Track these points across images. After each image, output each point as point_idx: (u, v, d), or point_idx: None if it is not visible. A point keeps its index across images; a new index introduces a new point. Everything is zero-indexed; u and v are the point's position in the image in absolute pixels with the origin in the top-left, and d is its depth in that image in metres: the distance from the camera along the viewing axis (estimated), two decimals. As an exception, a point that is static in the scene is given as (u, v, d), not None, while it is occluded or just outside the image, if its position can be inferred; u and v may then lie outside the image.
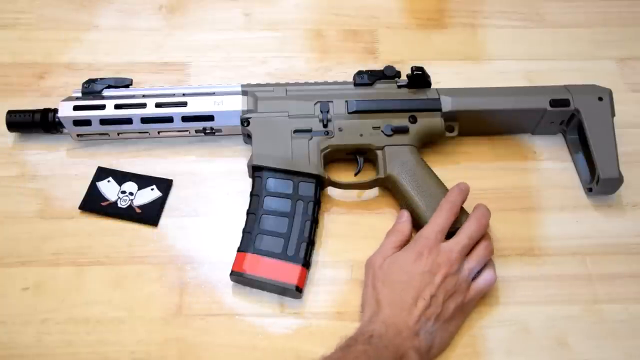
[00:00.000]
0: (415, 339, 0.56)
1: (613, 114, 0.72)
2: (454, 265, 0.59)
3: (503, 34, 0.86)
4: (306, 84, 0.74)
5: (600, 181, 0.68)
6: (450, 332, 0.60)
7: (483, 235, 0.63)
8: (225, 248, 0.65)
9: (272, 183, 0.67)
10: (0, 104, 0.74)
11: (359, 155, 0.71)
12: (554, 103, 0.72)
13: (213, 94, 0.72)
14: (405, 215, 0.66)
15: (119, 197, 0.69)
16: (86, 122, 0.70)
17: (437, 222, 0.62)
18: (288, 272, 0.62)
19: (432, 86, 0.73)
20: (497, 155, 0.75)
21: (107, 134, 0.72)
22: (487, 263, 0.63)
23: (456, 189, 0.65)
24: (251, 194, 0.67)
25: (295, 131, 0.69)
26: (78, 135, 0.72)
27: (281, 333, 0.62)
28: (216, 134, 0.73)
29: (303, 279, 0.63)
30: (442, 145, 0.74)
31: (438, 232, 0.61)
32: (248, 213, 0.66)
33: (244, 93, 0.72)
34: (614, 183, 0.69)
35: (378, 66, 0.75)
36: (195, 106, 0.70)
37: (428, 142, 0.72)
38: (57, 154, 0.73)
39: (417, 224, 0.67)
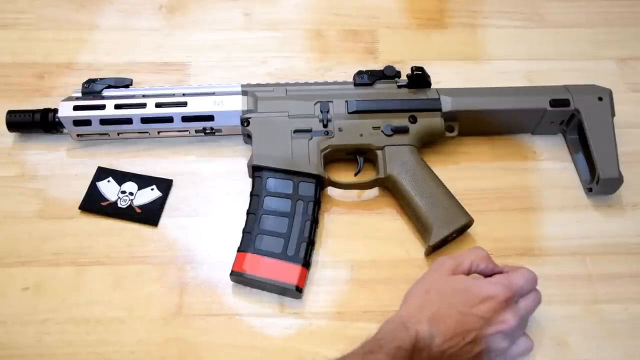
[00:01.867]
0: None
1: (613, 114, 0.72)
2: (513, 331, 0.56)
3: (503, 34, 0.86)
4: (306, 84, 0.74)
5: (600, 181, 0.68)
6: None
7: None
8: (225, 248, 0.65)
9: (272, 183, 0.67)
10: (0, 104, 0.74)
11: (359, 155, 0.71)
12: (554, 103, 0.72)
13: (213, 94, 0.72)
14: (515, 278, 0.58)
15: (119, 197, 0.69)
16: (86, 122, 0.70)
17: (526, 280, 0.57)
18: (288, 272, 0.62)
19: (432, 86, 0.73)
20: (497, 155, 0.75)
21: (107, 134, 0.72)
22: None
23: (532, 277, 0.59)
24: (251, 194, 0.67)
25: (295, 131, 0.69)
26: (78, 135, 0.72)
27: (281, 333, 0.62)
28: (216, 134, 0.73)
29: (303, 279, 0.63)
30: (442, 145, 0.74)
31: (516, 292, 0.57)
32: (248, 213, 0.66)
33: (244, 93, 0.72)
34: (614, 183, 0.69)
35: (378, 66, 0.75)
36: (195, 106, 0.70)
37: (428, 142, 0.72)
38: (57, 154, 0.73)
39: (418, 224, 0.67)
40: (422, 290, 0.58)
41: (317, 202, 0.67)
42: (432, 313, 0.55)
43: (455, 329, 0.54)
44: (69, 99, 0.71)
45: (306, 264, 0.63)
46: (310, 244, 0.64)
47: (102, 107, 0.70)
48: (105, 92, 0.72)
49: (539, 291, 0.59)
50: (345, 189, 0.70)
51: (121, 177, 0.70)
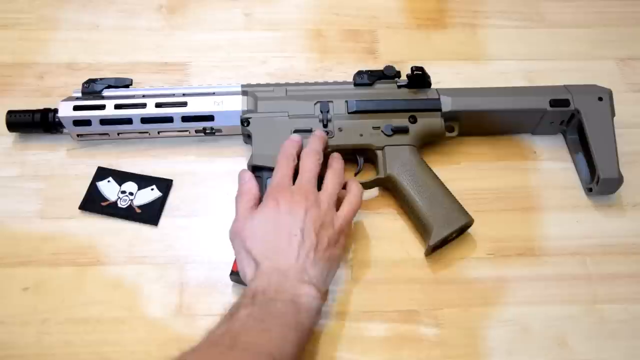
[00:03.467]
0: (304, 274, 0.55)
1: (613, 114, 0.72)
2: (310, 197, 0.59)
3: (503, 34, 0.86)
4: (306, 84, 0.74)
5: (600, 181, 0.68)
6: (337, 256, 0.60)
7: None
8: (225, 248, 0.65)
9: (272, 183, 0.67)
10: (0, 104, 0.74)
11: (359, 155, 0.71)
12: (554, 103, 0.72)
13: (213, 94, 0.72)
14: (248, 175, 0.64)
15: (119, 197, 0.69)
16: (86, 122, 0.70)
17: (281, 171, 0.63)
18: (288, 272, 0.62)
19: (432, 86, 0.73)
20: (497, 155, 0.75)
21: (107, 134, 0.72)
22: (350, 187, 0.64)
23: (288, 141, 0.66)
24: (251, 194, 0.67)
25: (296, 131, 0.69)
26: (78, 135, 0.72)
27: (281, 333, 0.62)
28: (216, 134, 0.73)
29: (303, 279, 0.63)
30: (442, 145, 0.74)
31: (284, 178, 0.62)
32: (248, 213, 0.66)
33: (244, 93, 0.72)
34: (614, 183, 0.69)
35: (378, 66, 0.75)
36: (195, 106, 0.70)
37: (428, 142, 0.72)
38: (57, 154, 0.73)
39: (418, 224, 0.67)
40: (243, 254, 0.59)
41: (317, 202, 0.66)
42: (264, 252, 0.57)
43: (284, 237, 0.57)
44: (69, 99, 0.71)
45: (306, 264, 0.63)
46: (310, 244, 0.64)
47: (102, 107, 0.70)
48: (105, 92, 0.72)
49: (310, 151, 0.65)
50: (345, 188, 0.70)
51: (121, 177, 0.70)
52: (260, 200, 0.62)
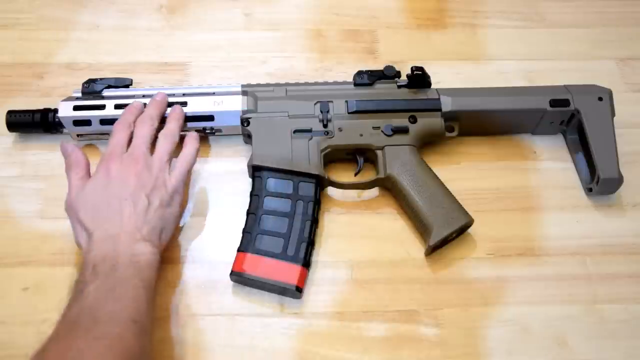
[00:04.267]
0: (137, 234, 0.57)
1: (613, 114, 0.72)
2: (140, 162, 0.61)
3: (503, 34, 0.86)
4: (306, 84, 0.74)
5: (600, 181, 0.68)
6: (172, 215, 0.62)
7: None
8: (225, 248, 0.65)
9: (272, 183, 0.67)
10: (0, 104, 0.74)
11: (359, 155, 0.71)
12: (554, 103, 0.72)
13: (213, 94, 0.72)
14: (70, 146, 0.64)
15: (119, 197, 0.69)
16: (86, 122, 0.70)
17: (115, 138, 0.63)
18: (288, 272, 0.62)
19: (432, 86, 0.73)
20: (497, 155, 0.75)
21: (107, 134, 0.72)
22: (185, 144, 0.66)
23: (127, 108, 0.67)
24: (251, 194, 0.67)
25: (295, 131, 0.69)
26: (78, 135, 0.72)
27: (281, 333, 0.62)
28: (216, 134, 0.73)
29: (303, 279, 0.63)
30: (442, 145, 0.74)
31: (117, 146, 0.62)
32: (248, 213, 0.66)
33: (244, 93, 0.72)
34: (614, 183, 0.69)
35: (378, 66, 0.75)
36: (195, 106, 0.70)
37: (428, 142, 0.72)
38: (57, 154, 0.72)
39: (418, 224, 0.67)
40: (77, 227, 0.59)
41: (317, 202, 0.67)
42: (95, 222, 0.58)
43: (116, 204, 0.58)
44: (69, 99, 0.71)
45: (306, 264, 0.63)
46: (310, 244, 0.64)
47: (102, 107, 0.70)
48: (105, 92, 0.72)
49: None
50: (345, 189, 0.70)
51: (121, 177, 0.70)
52: (89, 168, 0.63)
